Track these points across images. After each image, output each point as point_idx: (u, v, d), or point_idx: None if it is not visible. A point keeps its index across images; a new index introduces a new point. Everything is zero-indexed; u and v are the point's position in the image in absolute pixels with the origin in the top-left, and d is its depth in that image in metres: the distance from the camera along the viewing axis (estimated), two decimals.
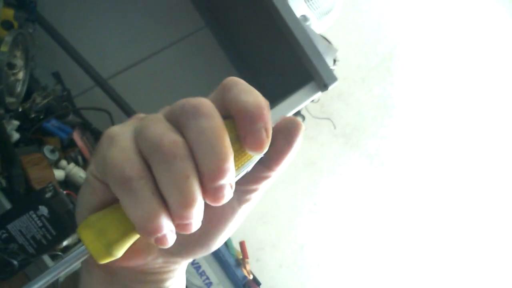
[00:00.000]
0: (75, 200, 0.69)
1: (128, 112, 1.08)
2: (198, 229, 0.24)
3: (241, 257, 1.17)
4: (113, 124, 1.08)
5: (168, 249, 0.25)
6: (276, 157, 0.26)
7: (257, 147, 0.23)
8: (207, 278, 1.03)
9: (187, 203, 0.21)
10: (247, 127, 0.23)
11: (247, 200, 0.27)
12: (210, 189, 0.22)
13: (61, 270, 0.26)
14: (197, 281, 1.02)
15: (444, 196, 1.60)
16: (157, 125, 0.22)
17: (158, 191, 0.22)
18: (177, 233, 0.23)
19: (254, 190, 0.27)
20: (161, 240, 0.22)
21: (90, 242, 0.24)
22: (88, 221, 0.24)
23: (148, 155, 0.22)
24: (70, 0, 1.21)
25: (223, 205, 0.25)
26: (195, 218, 0.22)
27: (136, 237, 0.25)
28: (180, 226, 0.22)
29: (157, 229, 0.21)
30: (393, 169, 1.55)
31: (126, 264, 0.27)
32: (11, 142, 0.81)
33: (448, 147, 1.61)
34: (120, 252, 0.25)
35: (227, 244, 1.11)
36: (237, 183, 0.26)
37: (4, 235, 0.58)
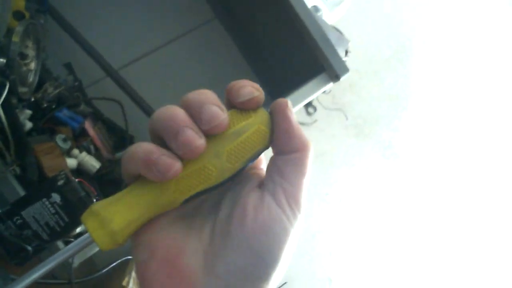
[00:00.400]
0: (87, 188, 0.69)
1: (139, 102, 1.08)
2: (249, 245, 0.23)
3: None
4: (124, 113, 1.08)
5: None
6: (285, 137, 0.26)
7: (248, 98, 0.25)
8: None
9: (178, 131, 0.24)
10: (234, 91, 0.25)
11: (288, 201, 0.25)
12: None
13: (66, 256, 0.26)
14: None
15: (457, 189, 1.58)
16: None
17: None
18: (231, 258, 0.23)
19: (293, 188, 0.26)
20: (162, 166, 0.23)
21: (94, 230, 0.24)
22: (92, 209, 0.24)
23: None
24: None
25: (269, 216, 0.24)
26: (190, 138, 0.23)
27: (141, 222, 0.25)
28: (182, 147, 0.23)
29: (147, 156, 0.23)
30: (405, 161, 1.54)
31: None
32: (24, 131, 0.82)
33: (462, 140, 1.58)
34: (123, 239, 0.24)
35: None
36: (274, 182, 0.26)
37: (19, 221, 0.58)
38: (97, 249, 0.64)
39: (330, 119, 1.43)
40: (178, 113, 0.24)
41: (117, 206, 0.24)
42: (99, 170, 0.87)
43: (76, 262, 0.60)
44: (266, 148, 0.27)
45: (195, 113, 0.24)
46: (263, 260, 0.23)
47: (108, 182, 0.88)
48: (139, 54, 1.24)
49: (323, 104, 1.40)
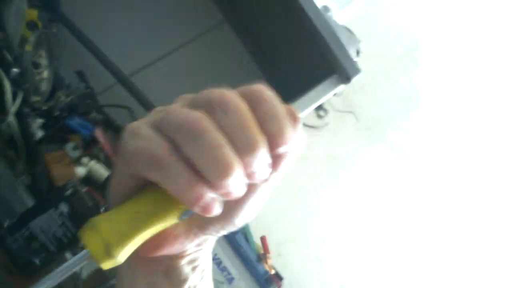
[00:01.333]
0: (95, 197, 0.69)
1: (149, 109, 1.08)
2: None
3: (262, 252, 1.16)
4: (134, 120, 1.09)
5: (199, 227, 0.26)
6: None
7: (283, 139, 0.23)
8: (229, 273, 1.03)
9: (226, 171, 0.20)
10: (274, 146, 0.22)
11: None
12: (248, 162, 0.21)
13: (63, 273, 0.26)
14: (219, 276, 1.02)
15: (472, 191, 1.53)
16: (180, 109, 0.22)
17: (192, 168, 0.21)
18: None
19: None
20: (206, 208, 0.21)
21: (92, 247, 0.23)
22: (92, 224, 0.23)
23: (175, 136, 0.22)
24: None
25: None
26: (237, 184, 0.21)
27: (142, 239, 0.24)
28: (224, 194, 0.22)
29: (198, 195, 0.21)
30: (418, 164, 1.49)
31: (167, 253, 0.27)
32: (35, 140, 0.83)
33: (477, 141, 1.53)
34: (123, 257, 0.24)
35: (248, 239, 1.11)
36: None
37: (26, 233, 0.59)
38: None
39: (341, 121, 1.41)
40: (215, 135, 0.21)
41: (117, 221, 0.24)
42: (108, 178, 0.87)
43: (85, 273, 0.60)
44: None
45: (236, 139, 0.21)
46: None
47: None
48: (149, 61, 1.25)
49: (334, 106, 1.38)
